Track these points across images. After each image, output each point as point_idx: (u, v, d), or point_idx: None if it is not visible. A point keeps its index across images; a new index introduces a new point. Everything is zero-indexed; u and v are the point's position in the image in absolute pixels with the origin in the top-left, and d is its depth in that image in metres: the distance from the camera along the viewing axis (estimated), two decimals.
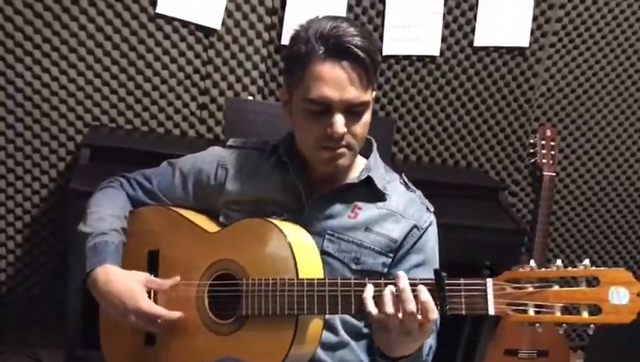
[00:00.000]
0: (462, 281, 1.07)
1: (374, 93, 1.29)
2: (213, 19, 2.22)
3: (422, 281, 1.09)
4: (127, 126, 2.27)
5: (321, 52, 1.20)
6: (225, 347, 1.24)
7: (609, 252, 2.88)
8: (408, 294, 1.08)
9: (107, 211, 1.38)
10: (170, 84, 2.27)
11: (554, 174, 2.55)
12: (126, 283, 1.26)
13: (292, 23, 2.27)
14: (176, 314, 1.27)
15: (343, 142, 1.24)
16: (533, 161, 2.59)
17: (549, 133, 2.58)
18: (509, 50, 2.47)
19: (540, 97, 2.59)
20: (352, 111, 1.23)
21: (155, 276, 1.35)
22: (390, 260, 1.33)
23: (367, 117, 1.27)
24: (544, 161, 2.55)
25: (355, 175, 1.35)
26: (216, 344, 1.25)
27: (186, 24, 2.21)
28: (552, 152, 2.56)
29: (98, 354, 1.43)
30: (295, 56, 1.24)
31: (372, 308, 1.10)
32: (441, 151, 2.56)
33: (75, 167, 1.92)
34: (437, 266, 1.37)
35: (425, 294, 1.07)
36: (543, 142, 2.56)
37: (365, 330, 1.36)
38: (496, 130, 2.58)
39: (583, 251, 2.85)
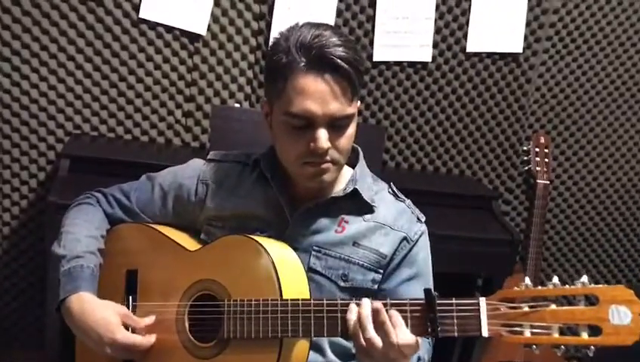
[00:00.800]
0: (454, 301, 1.01)
1: (359, 103, 1.23)
2: (199, 25, 2.16)
3: (411, 302, 1.03)
4: (110, 134, 2.21)
5: (302, 64, 1.14)
6: None
7: (604, 261, 2.83)
8: (388, 326, 1.03)
9: (83, 231, 1.32)
10: (155, 91, 2.20)
11: (548, 182, 2.50)
12: (102, 314, 1.20)
13: (280, 28, 2.21)
14: (152, 340, 1.22)
15: (328, 157, 1.18)
16: (526, 168, 2.55)
17: (542, 140, 2.53)
18: (502, 56, 2.42)
19: (533, 104, 2.54)
20: (336, 124, 1.17)
21: (134, 296, 1.30)
22: (380, 276, 1.27)
23: (351, 130, 1.21)
24: (538, 168, 2.50)
25: (340, 187, 1.29)
26: None
27: (170, 29, 2.15)
28: (546, 160, 2.51)
29: None
30: (275, 66, 1.18)
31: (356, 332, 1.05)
32: (433, 158, 2.51)
33: (54, 179, 1.85)
34: (430, 279, 1.32)
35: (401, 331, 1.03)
36: (537, 149, 2.52)
37: (354, 351, 1.31)
38: (489, 138, 2.53)
39: (577, 260, 2.80)
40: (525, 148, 2.55)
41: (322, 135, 1.15)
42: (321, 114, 1.14)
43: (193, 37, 2.17)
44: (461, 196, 2.34)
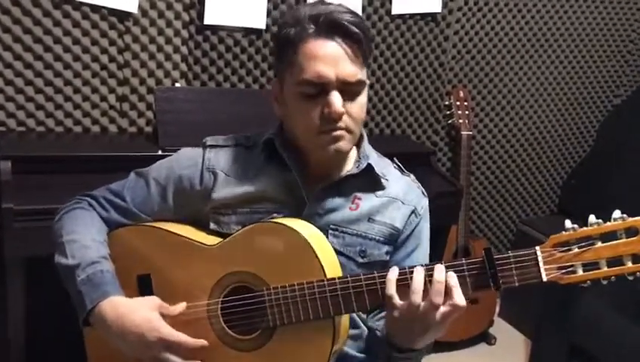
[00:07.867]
0: (510, 254, 1.06)
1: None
2: (128, 2, 2.01)
3: (468, 261, 1.08)
4: (40, 128, 2.01)
5: (312, 30, 1.14)
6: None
7: (519, 202, 3.11)
8: (440, 286, 1.05)
9: (87, 237, 1.21)
10: (85, 77, 2.03)
11: (470, 133, 2.67)
12: (141, 314, 1.13)
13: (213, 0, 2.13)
14: (199, 341, 1.16)
15: (342, 124, 1.17)
16: (449, 121, 2.70)
17: (461, 93, 2.68)
18: (423, 16, 2.52)
19: (451, 60, 2.68)
20: (348, 90, 1.17)
21: None
22: (392, 248, 1.30)
23: (363, 98, 1.21)
24: (460, 120, 2.66)
25: (349, 166, 1.29)
26: (246, 361, 1.16)
27: (97, 9, 1.98)
28: (467, 112, 2.68)
29: None
30: (284, 39, 1.17)
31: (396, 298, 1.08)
32: (366, 121, 2.57)
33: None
34: (427, 246, 1.37)
35: (453, 280, 1.06)
36: (457, 103, 2.67)
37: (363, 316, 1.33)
38: (415, 96, 2.64)
39: (497, 204, 3.04)
40: (447, 102, 2.70)
41: (336, 98, 1.14)
42: (333, 77, 1.14)
43: (122, 15, 2.02)
44: (403, 155, 2.40)
